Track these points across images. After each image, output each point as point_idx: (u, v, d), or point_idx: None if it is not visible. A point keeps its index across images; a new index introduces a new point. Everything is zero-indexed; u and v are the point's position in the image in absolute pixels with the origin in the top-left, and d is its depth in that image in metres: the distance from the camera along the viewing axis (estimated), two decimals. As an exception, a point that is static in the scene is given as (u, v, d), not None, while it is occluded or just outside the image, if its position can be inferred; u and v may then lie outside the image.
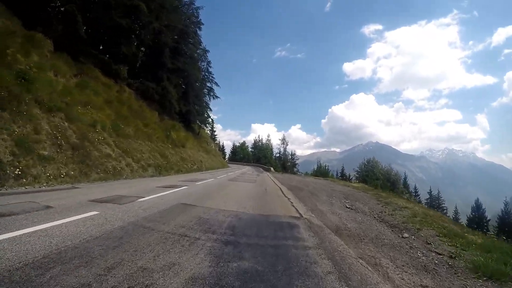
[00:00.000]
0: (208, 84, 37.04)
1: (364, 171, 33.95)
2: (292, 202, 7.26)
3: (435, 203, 55.86)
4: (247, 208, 5.91)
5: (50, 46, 11.80)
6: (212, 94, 37.04)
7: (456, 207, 58.79)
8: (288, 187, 11.80)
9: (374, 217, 6.42)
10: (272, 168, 36.85)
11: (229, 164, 50.10)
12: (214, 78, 37.52)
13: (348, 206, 7.65)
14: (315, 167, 39.63)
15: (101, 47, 20.36)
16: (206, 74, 36.79)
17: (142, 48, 25.46)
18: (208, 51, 35.17)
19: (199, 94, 32.15)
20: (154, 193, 6.68)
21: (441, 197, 66.13)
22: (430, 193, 66.64)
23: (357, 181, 19.39)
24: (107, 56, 20.54)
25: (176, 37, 26.47)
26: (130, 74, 21.55)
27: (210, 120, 38.19)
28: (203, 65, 36.91)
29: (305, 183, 16.08)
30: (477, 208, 65.39)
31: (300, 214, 5.71)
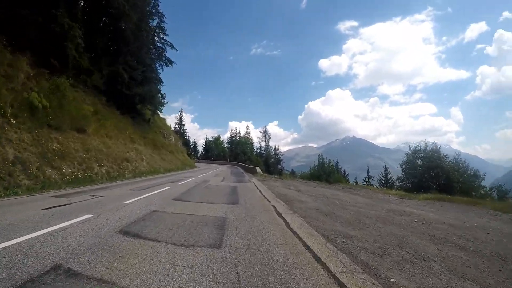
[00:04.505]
0: (159, 45, 24.97)
1: (421, 166, 18.55)
2: None
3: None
4: None
5: None
6: (164, 59, 24.92)
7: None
8: None
9: None
10: (258, 169, 24.65)
11: (198, 164, 38.34)
12: (167, 36, 25.42)
13: None
14: (321, 160, 24.76)
15: None
16: (157, 30, 24.75)
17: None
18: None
19: (139, 55, 20.21)
20: None
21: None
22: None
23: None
24: None
25: None
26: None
27: (161, 98, 25.40)
28: (154, 20, 24.90)
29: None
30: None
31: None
